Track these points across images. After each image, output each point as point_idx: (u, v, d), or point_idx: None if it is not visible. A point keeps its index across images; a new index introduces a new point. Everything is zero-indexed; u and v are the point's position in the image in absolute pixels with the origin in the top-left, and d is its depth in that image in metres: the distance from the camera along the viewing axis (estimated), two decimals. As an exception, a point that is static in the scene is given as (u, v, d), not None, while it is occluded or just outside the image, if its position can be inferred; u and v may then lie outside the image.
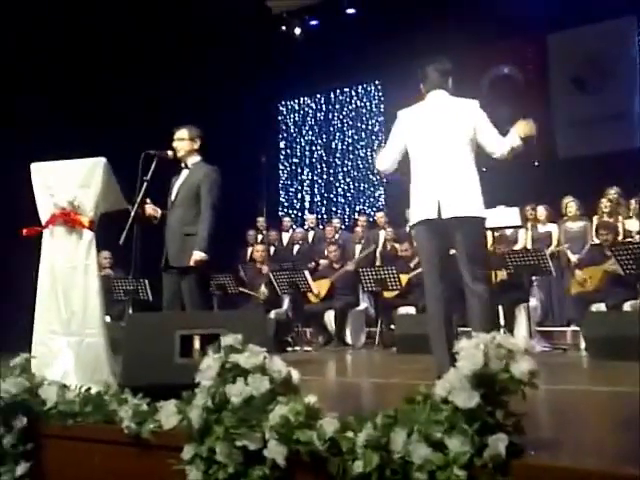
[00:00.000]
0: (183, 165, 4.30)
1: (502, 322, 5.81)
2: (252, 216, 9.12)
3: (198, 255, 3.96)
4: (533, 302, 6.30)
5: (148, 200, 4.17)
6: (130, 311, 6.99)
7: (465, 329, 3.14)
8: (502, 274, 6.24)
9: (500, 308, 5.82)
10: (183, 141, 4.24)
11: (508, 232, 7.04)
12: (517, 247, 7.07)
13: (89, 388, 2.35)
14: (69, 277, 3.04)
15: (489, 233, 5.91)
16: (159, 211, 4.24)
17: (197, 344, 2.71)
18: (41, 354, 2.80)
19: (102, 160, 3.12)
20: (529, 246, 7.14)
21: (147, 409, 2.13)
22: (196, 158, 4.29)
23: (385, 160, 3.56)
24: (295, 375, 2.04)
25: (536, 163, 9.04)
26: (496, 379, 1.69)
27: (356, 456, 1.71)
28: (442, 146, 3.32)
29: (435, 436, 1.64)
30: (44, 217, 3.17)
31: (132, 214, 3.74)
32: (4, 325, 6.11)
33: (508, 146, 3.36)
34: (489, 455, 1.56)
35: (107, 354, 2.96)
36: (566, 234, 7.20)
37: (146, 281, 6.79)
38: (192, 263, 3.96)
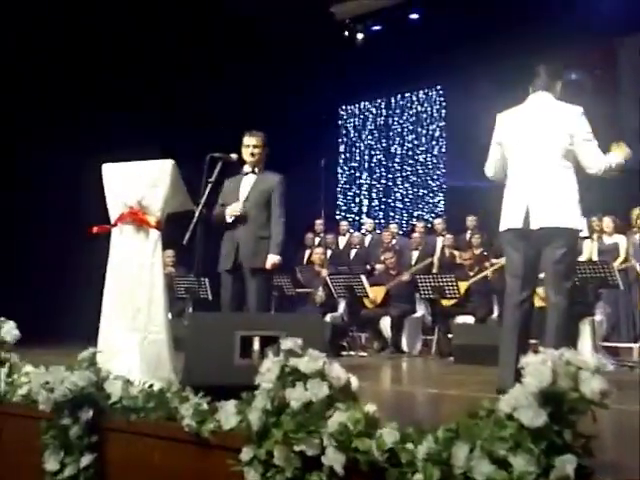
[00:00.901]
0: (249, 170, 4.39)
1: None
2: (310, 219, 9.16)
3: (275, 259, 4.18)
4: (598, 316, 6.08)
5: (240, 205, 4.26)
6: (190, 309, 7.14)
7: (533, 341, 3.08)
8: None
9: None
10: (258, 147, 4.34)
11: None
12: (581, 259, 6.84)
13: (152, 384, 2.40)
14: (135, 274, 3.13)
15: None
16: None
17: (256, 345, 2.74)
18: (107, 349, 2.88)
19: (170, 162, 3.20)
20: (595, 258, 6.90)
21: (207, 408, 2.16)
22: (262, 164, 4.41)
23: (490, 166, 3.46)
24: (354, 382, 2.03)
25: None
26: (564, 398, 1.63)
27: (416, 469, 1.68)
28: (538, 151, 3.19)
29: (499, 453, 1.59)
30: (113, 216, 3.27)
31: (196, 215, 3.82)
32: (74, 318, 6.34)
33: (606, 163, 3.21)
34: (556, 477, 1.51)
35: (169, 351, 3.03)
36: (635, 247, 6.92)
37: (207, 280, 6.90)
38: (269, 266, 4.16)
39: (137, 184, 3.21)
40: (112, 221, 3.29)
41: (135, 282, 3.12)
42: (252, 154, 4.31)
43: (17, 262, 7.79)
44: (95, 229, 3.35)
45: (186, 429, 2.10)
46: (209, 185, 4.01)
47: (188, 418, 2.11)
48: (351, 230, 9.96)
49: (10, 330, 3.01)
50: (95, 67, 8.41)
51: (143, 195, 3.18)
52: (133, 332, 3.04)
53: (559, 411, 1.62)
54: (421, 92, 11.42)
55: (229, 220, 4.29)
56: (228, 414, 2.06)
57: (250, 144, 4.32)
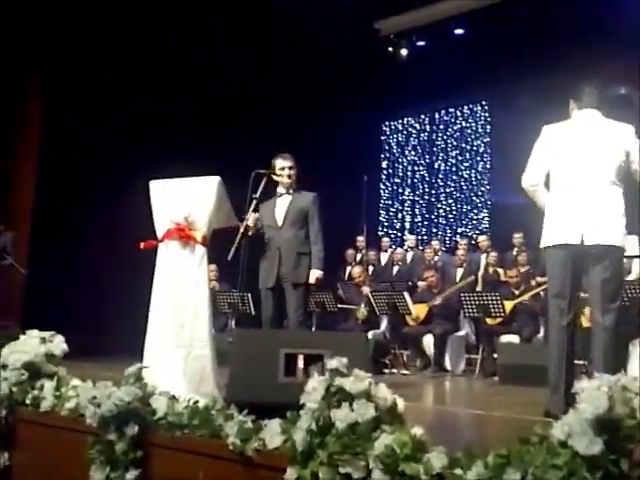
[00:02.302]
0: (283, 191, 4.52)
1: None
2: (351, 235, 9.14)
3: (317, 273, 4.37)
4: (650, 338, 5.87)
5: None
6: (233, 324, 7.18)
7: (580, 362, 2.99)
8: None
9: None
10: (293, 169, 4.52)
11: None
12: (630, 278, 6.62)
13: (197, 401, 2.40)
14: (181, 290, 3.16)
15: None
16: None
17: (301, 363, 2.73)
18: (152, 364, 2.90)
19: (217, 178, 3.24)
20: (646, 277, 6.67)
21: (252, 427, 2.15)
22: (295, 184, 4.57)
23: (528, 177, 3.40)
24: (401, 404, 1.99)
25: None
26: (621, 425, 1.57)
27: (465, 495, 1.64)
28: (589, 169, 3.15)
29: (552, 482, 1.54)
30: (160, 232, 3.32)
31: (241, 231, 3.85)
32: (122, 333, 6.44)
33: None
34: (613, 508, 1.45)
35: (213, 367, 3.04)
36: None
37: (249, 295, 6.92)
38: (312, 281, 4.34)
39: (184, 200, 3.26)
40: (159, 237, 3.34)
41: (180, 298, 3.15)
42: (289, 176, 4.49)
43: (65, 277, 7.96)
44: (142, 245, 3.40)
45: (230, 447, 2.09)
46: (254, 201, 4.06)
47: (233, 436, 2.10)
48: (393, 246, 9.89)
49: (59, 344, 3.07)
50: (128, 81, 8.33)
51: (189, 211, 3.22)
52: (178, 347, 3.07)
53: (615, 439, 1.56)
54: (465, 107, 11.30)
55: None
56: (273, 433, 2.05)
57: (286, 166, 4.49)
